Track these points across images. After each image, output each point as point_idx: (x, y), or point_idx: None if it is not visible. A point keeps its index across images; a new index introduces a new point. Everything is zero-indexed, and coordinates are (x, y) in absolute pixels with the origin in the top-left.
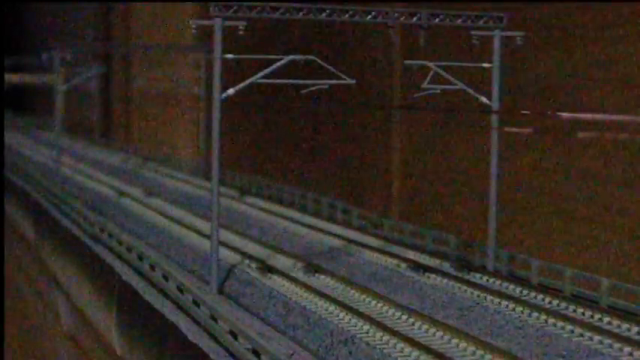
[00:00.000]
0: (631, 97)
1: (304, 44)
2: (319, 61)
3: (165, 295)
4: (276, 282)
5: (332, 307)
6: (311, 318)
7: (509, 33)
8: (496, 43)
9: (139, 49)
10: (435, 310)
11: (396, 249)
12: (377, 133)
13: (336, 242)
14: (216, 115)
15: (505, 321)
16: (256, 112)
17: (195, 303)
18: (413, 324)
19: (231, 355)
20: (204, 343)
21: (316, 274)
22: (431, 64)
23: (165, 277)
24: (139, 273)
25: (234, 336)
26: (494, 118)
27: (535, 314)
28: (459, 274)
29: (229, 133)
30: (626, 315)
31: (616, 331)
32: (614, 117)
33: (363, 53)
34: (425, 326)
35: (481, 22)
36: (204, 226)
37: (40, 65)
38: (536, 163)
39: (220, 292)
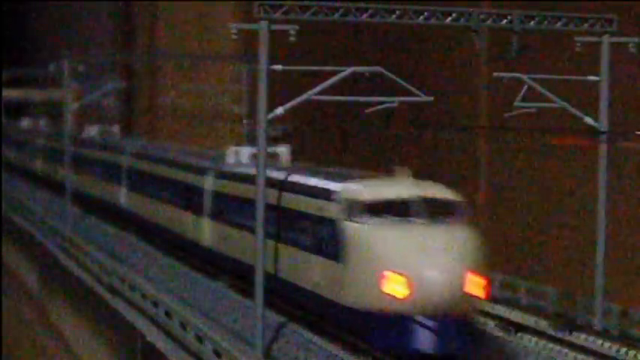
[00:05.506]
0: None
1: (370, 52)
2: (387, 72)
3: None
4: (333, 344)
5: None
6: None
7: (620, 39)
8: (604, 51)
9: (167, 60)
10: None
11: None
12: (458, 161)
13: None
14: (262, 141)
15: None
16: (315, 135)
17: None
18: None
19: None
20: None
21: None
22: (524, 77)
23: (200, 338)
24: (167, 333)
25: None
26: (602, 142)
27: None
28: (559, 335)
29: None
30: None
31: None
32: None
33: (441, 64)
34: None
35: (586, 26)
36: None
37: (47, 78)
38: None
39: (267, 355)
